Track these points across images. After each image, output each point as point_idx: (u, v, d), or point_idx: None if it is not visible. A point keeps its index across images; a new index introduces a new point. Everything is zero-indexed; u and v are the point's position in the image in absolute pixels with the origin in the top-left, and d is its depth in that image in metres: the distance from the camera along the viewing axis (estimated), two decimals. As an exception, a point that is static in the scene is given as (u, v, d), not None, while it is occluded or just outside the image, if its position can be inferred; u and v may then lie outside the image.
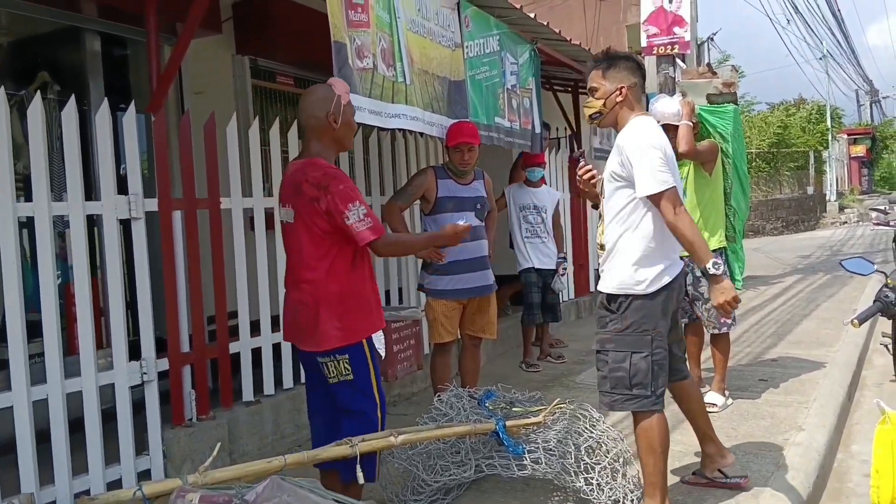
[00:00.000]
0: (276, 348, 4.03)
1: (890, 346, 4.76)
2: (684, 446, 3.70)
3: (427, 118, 4.00)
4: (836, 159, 29.63)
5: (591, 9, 14.86)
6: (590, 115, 3.01)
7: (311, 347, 2.79)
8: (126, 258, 3.60)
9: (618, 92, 2.88)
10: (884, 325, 5.04)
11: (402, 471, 3.22)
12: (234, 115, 3.84)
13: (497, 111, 4.86)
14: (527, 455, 3.03)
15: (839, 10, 30.25)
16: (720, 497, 3.17)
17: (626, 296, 2.84)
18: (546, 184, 6.26)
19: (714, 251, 3.95)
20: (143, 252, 3.34)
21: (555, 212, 5.82)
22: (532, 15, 5.24)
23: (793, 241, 17.27)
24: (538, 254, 5.67)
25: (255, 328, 3.92)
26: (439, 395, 3.43)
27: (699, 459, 3.38)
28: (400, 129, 3.96)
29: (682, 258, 3.00)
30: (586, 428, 3.17)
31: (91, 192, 3.69)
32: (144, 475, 3.32)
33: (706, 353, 4.68)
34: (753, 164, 22.41)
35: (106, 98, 3.37)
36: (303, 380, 4.11)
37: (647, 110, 3.26)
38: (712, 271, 2.71)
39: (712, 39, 20.66)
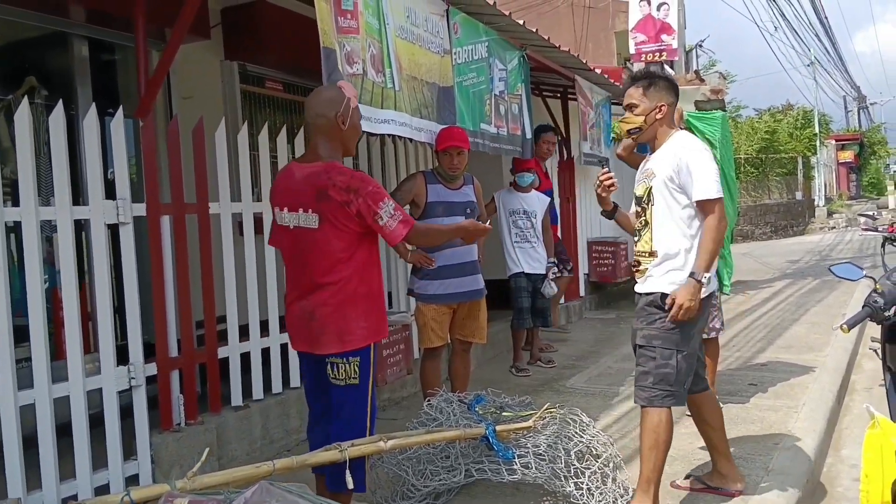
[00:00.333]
0: (265, 353, 4.02)
1: (879, 351, 4.78)
2: (674, 450, 3.67)
3: (416, 124, 4.00)
4: (825, 165, 29.85)
5: (579, 16, 14.95)
6: (628, 130, 3.13)
7: (332, 349, 2.73)
8: (114, 263, 3.58)
9: (658, 109, 3.02)
10: (873, 329, 5.04)
11: (392, 476, 3.21)
12: (222, 120, 3.83)
13: (483, 117, 4.87)
14: (517, 460, 3.03)
15: (826, 17, 30.47)
16: (710, 501, 3.17)
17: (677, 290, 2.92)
18: (552, 188, 6.34)
19: None
20: (130, 257, 3.33)
21: (544, 216, 5.83)
22: (521, 22, 5.26)
23: (782, 245, 17.38)
24: (528, 258, 5.68)
25: (243, 332, 3.90)
26: (429, 400, 3.43)
27: (683, 464, 3.39)
28: (389, 135, 3.97)
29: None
30: (576, 432, 3.17)
31: (79, 196, 3.67)
32: (132, 480, 3.30)
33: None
34: (742, 169, 22.56)
35: (94, 103, 3.36)
36: (292, 384, 4.13)
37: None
38: (701, 279, 2.86)
39: (700, 46, 20.81)
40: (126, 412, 3.31)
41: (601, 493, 2.98)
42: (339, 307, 2.71)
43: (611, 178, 3.20)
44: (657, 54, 8.09)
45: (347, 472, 2.60)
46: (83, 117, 3.24)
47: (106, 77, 4.80)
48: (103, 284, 3.25)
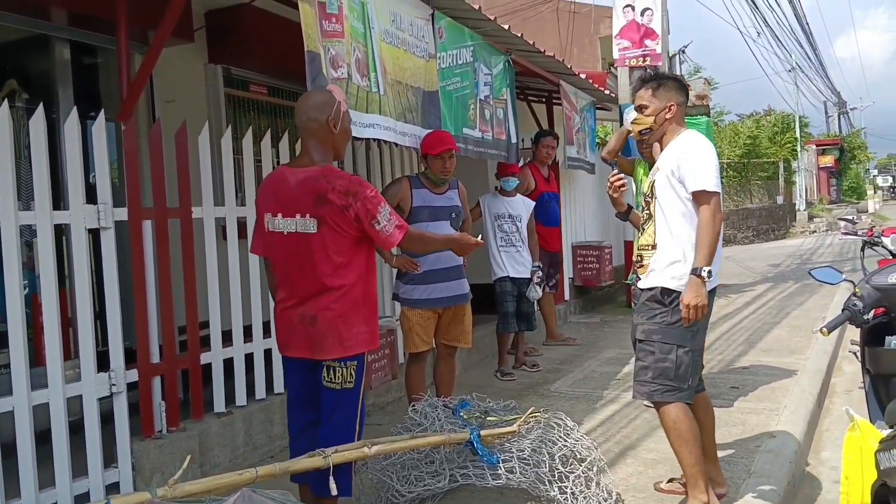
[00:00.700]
0: (249, 358, 3.99)
1: (858, 354, 4.83)
2: (657, 454, 3.72)
3: (400, 128, 4.00)
4: (805, 169, 30.20)
5: (564, 21, 15.01)
6: (639, 131, 3.18)
7: (333, 354, 2.72)
8: (95, 267, 3.54)
9: (667, 109, 3.07)
10: (852, 333, 5.11)
11: (376, 482, 3.20)
12: (206, 124, 3.81)
13: (466, 122, 4.88)
14: (501, 464, 3.03)
15: (807, 24, 30.90)
16: (693, 504, 3.18)
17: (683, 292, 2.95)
18: (556, 191, 6.45)
19: None
20: (112, 262, 3.30)
21: (529, 220, 5.84)
22: (506, 26, 5.28)
23: (763, 249, 17.52)
24: (513, 262, 5.69)
25: (226, 338, 3.88)
26: (414, 405, 3.43)
27: (667, 467, 3.40)
28: (374, 139, 3.96)
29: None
30: (560, 437, 3.18)
31: (59, 200, 3.64)
32: (113, 488, 3.26)
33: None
34: (725, 173, 22.73)
35: (75, 106, 3.33)
36: (276, 390, 4.10)
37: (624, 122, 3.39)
38: (703, 275, 2.86)
39: (684, 52, 20.97)
40: (107, 419, 3.28)
41: (585, 497, 2.99)
42: (343, 312, 2.71)
43: (621, 179, 3.27)
44: (641, 59, 8.14)
45: (331, 477, 2.59)
46: (64, 121, 3.21)
47: (88, 80, 4.76)
48: (84, 290, 3.21)
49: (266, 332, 3.83)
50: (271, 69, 5.76)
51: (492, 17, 4.99)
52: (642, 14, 8.20)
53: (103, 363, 3.29)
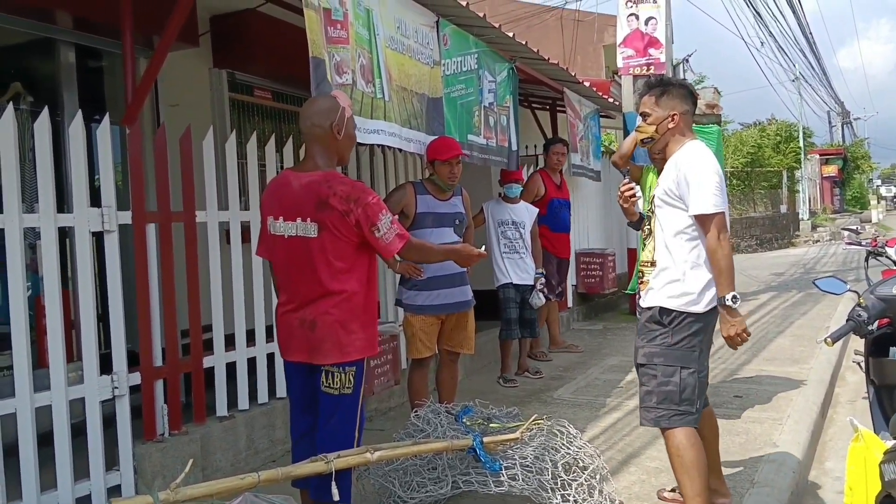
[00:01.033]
0: (251, 362, 3.99)
1: (862, 364, 4.82)
2: (660, 462, 3.70)
3: (405, 134, 4.00)
4: (809, 179, 30.18)
5: (568, 29, 15.05)
6: (641, 140, 3.07)
7: (331, 359, 2.71)
8: (98, 270, 3.55)
9: (670, 118, 2.95)
10: (856, 342, 5.08)
11: (378, 487, 3.19)
12: (210, 129, 3.82)
13: (471, 128, 4.89)
14: (504, 471, 3.02)
15: (811, 34, 30.95)
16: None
17: (682, 312, 2.87)
18: (568, 198, 6.63)
19: None
20: (115, 265, 3.30)
21: (532, 227, 5.84)
22: (511, 34, 5.29)
23: (766, 258, 17.50)
24: (516, 269, 5.68)
25: (229, 342, 3.88)
26: (416, 411, 3.42)
27: (670, 476, 3.38)
28: (378, 145, 3.97)
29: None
30: (563, 444, 3.16)
31: (63, 203, 3.64)
32: (115, 491, 3.26)
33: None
34: (729, 182, 22.74)
35: (80, 109, 3.34)
36: (278, 394, 4.09)
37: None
38: (729, 303, 2.78)
39: (687, 61, 20.97)
40: (109, 422, 3.27)
41: (587, 506, 2.98)
42: (343, 318, 2.70)
43: (631, 188, 3.16)
44: (645, 68, 8.15)
45: (333, 483, 2.58)
46: (69, 124, 3.21)
47: (92, 84, 4.78)
48: (87, 292, 3.22)
49: (269, 336, 3.82)
50: (276, 74, 5.78)
51: (496, 25, 5.00)
52: (646, 23, 8.22)
53: (106, 366, 3.29)
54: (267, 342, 3.97)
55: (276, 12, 5.17)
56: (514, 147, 5.67)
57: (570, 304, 8.32)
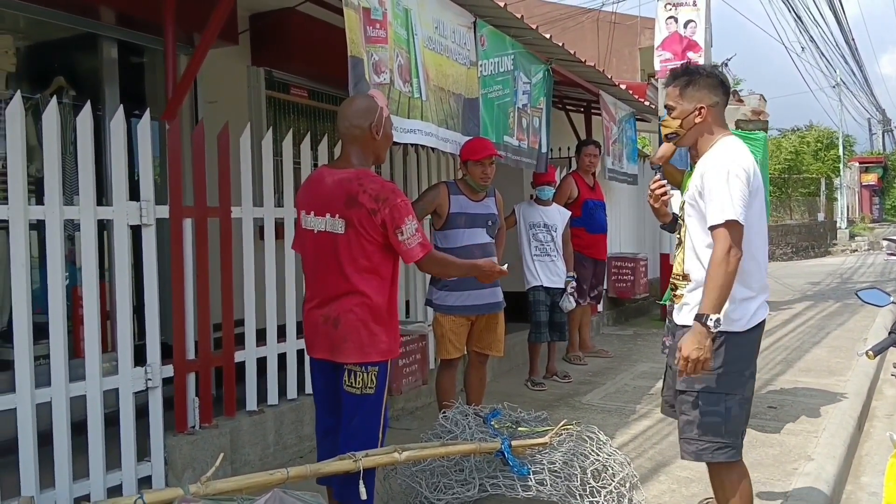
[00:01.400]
0: (281, 358, 4.02)
1: (901, 377, 4.70)
2: (691, 472, 3.65)
3: (441, 134, 4.00)
4: (848, 187, 29.57)
5: (604, 31, 14.94)
6: (666, 136, 2.79)
7: (352, 358, 2.69)
8: (135, 263, 3.60)
9: (696, 112, 2.64)
10: (895, 355, 4.99)
11: (405, 488, 3.19)
12: (247, 125, 3.85)
13: (507, 130, 4.87)
14: (532, 476, 3.00)
15: (853, 39, 30.23)
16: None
17: (722, 332, 2.52)
18: (602, 199, 6.63)
19: None
20: (152, 258, 3.34)
21: (564, 230, 5.80)
22: (547, 35, 5.25)
23: (802, 267, 17.19)
24: (547, 272, 5.65)
25: (260, 337, 3.90)
26: (444, 412, 3.41)
27: (701, 486, 3.33)
28: (413, 144, 3.96)
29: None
30: (593, 450, 3.13)
31: (103, 196, 3.70)
32: (145, 482, 3.30)
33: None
34: (766, 188, 22.37)
35: (121, 104, 3.38)
36: (307, 390, 4.11)
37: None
38: (709, 323, 2.42)
39: (726, 65, 20.68)
40: (141, 413, 3.32)
41: (616, 514, 2.94)
42: (365, 318, 2.69)
43: (662, 186, 2.88)
44: (682, 71, 8.05)
45: (361, 482, 2.57)
46: (110, 118, 3.26)
47: (134, 79, 4.85)
48: (123, 284, 3.26)
49: (299, 333, 3.84)
50: (313, 73, 5.81)
51: (533, 27, 4.97)
52: (685, 26, 8.11)
53: (139, 357, 3.34)
54: (297, 338, 3.99)
55: (315, 11, 5.20)
56: (545, 149, 5.64)
57: (600, 308, 8.26)
